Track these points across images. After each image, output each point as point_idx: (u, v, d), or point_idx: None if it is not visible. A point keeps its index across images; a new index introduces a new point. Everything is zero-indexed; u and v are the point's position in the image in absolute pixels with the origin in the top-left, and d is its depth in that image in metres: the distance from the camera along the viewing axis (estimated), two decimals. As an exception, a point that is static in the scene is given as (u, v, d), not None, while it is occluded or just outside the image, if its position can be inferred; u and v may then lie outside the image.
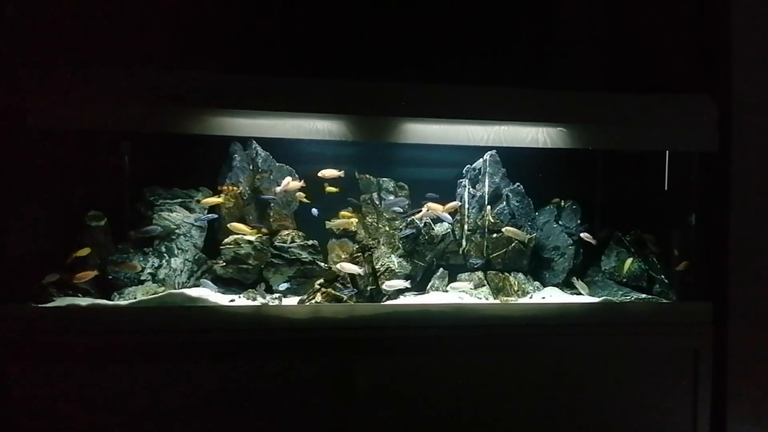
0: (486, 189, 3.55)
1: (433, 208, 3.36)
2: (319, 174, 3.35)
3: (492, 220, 3.46)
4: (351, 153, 3.62)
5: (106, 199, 3.17)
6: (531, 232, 3.54)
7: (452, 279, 3.50)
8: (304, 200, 3.49)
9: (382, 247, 3.44)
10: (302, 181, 3.38)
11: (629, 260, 3.43)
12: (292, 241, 3.37)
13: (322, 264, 3.38)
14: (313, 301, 3.02)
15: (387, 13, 3.43)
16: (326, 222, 3.48)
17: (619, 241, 3.54)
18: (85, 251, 2.97)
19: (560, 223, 3.65)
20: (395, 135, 3.03)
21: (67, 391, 2.62)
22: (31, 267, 2.88)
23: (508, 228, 3.41)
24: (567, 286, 3.58)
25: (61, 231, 3.05)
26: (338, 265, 3.15)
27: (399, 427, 2.86)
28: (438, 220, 3.50)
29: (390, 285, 3.15)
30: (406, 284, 3.19)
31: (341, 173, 3.37)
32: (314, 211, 3.45)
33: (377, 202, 3.61)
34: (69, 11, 3.02)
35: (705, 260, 3.27)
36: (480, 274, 3.46)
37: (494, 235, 3.49)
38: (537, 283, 3.54)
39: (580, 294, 3.41)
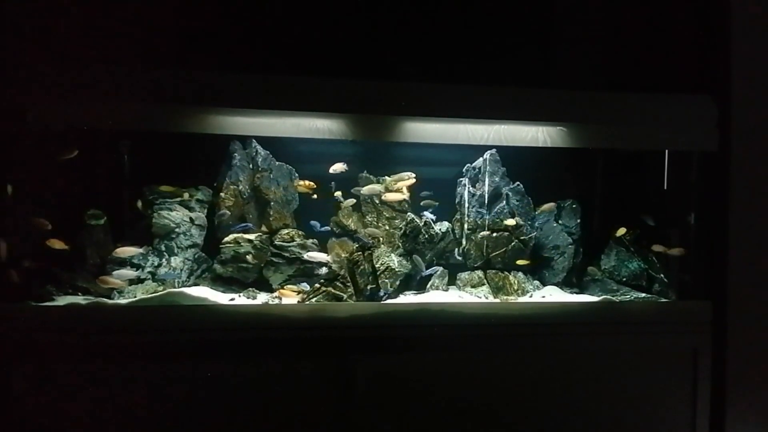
0: (486, 188, 3.55)
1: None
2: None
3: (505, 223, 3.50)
4: (351, 152, 3.61)
5: (105, 198, 3.17)
6: (530, 231, 3.55)
7: (452, 278, 3.51)
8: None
9: (382, 245, 3.44)
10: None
11: (622, 229, 3.45)
12: (292, 240, 3.36)
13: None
14: (312, 300, 3.03)
15: (387, 11, 3.43)
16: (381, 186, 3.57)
17: (619, 240, 3.55)
18: (59, 244, 2.87)
19: (560, 222, 3.65)
20: (395, 134, 3.03)
21: (67, 390, 2.61)
22: (29, 266, 2.88)
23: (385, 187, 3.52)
24: (567, 285, 3.59)
25: (60, 230, 3.04)
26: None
27: (400, 426, 2.86)
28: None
29: (312, 256, 3.21)
30: (328, 258, 3.26)
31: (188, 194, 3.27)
32: (315, 223, 3.45)
33: (377, 201, 3.61)
34: (68, 9, 3.02)
35: (704, 259, 3.27)
36: (480, 273, 3.46)
37: (494, 234, 3.49)
38: (537, 282, 3.54)
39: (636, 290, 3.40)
